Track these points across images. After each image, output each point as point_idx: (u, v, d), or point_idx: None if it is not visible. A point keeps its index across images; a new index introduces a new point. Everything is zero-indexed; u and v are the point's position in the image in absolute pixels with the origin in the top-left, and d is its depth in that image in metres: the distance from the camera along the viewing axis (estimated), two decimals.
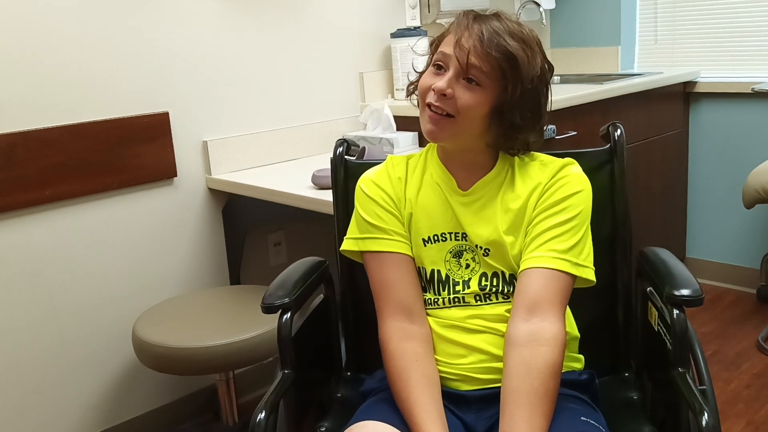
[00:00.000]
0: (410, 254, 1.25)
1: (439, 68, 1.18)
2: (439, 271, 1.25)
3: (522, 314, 1.15)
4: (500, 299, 1.22)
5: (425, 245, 1.25)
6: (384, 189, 1.27)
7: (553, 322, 1.14)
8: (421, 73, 1.24)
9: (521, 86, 1.15)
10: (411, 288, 1.24)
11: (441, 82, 1.15)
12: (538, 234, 1.19)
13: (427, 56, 1.25)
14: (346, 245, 1.29)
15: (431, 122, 1.18)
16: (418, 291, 1.25)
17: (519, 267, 1.20)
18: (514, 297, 1.19)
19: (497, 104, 1.17)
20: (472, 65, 1.14)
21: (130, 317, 2.12)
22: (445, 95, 1.15)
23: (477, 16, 1.18)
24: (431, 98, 1.17)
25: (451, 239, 1.24)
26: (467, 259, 1.24)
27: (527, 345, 1.12)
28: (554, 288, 1.16)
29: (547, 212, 1.20)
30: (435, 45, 1.24)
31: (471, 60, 1.14)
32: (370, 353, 1.36)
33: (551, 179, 1.22)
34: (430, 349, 1.21)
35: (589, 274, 1.20)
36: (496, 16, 1.19)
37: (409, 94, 1.32)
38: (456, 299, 1.23)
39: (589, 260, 1.21)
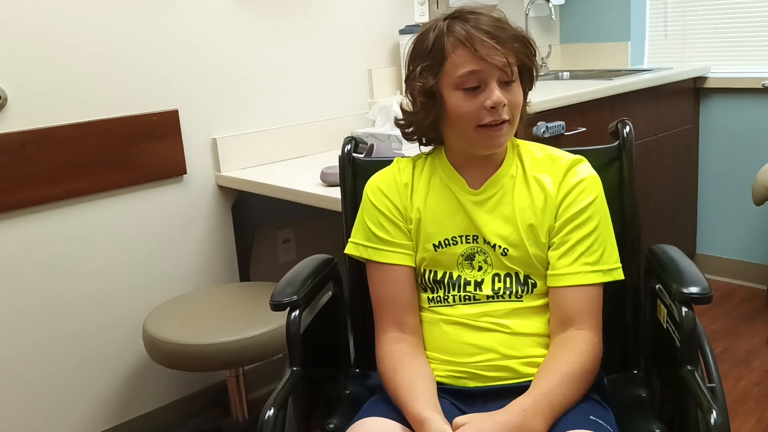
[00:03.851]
0: (412, 265, 1.27)
1: (472, 89, 1.16)
2: (451, 273, 1.25)
3: (559, 330, 1.20)
4: (512, 299, 1.23)
5: (436, 250, 1.25)
6: (390, 198, 1.27)
7: (588, 330, 1.18)
8: (417, 113, 1.23)
9: (536, 62, 1.22)
10: (406, 302, 1.26)
11: (496, 97, 1.14)
12: (568, 249, 1.21)
13: (423, 90, 1.19)
14: (350, 249, 1.31)
15: (496, 136, 1.17)
16: (413, 304, 1.27)
17: (546, 273, 1.22)
18: (550, 314, 1.22)
19: (525, 89, 1.22)
20: (511, 65, 1.15)
21: (140, 314, 2.13)
22: (504, 105, 1.15)
23: (461, 19, 1.17)
24: (488, 117, 1.15)
25: (462, 242, 1.24)
26: (479, 261, 1.24)
27: (556, 345, 1.18)
28: (588, 300, 1.20)
29: (572, 224, 1.21)
30: (426, 71, 1.18)
31: (510, 61, 1.15)
32: None
33: (564, 178, 1.23)
34: (418, 350, 1.23)
35: (618, 274, 1.23)
36: (473, 11, 1.18)
37: (419, 140, 1.31)
38: (467, 297, 1.24)
39: (616, 258, 1.24)
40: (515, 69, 1.17)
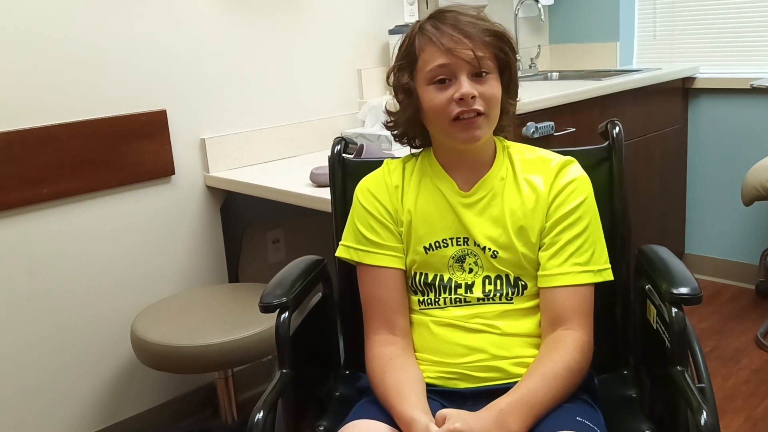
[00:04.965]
0: (402, 267, 1.27)
1: (442, 82, 1.17)
2: (441, 276, 1.25)
3: (549, 331, 1.19)
4: (503, 301, 1.23)
5: (427, 252, 1.25)
6: (380, 200, 1.27)
7: (576, 329, 1.18)
8: (403, 110, 1.25)
9: (515, 57, 1.22)
10: (396, 304, 1.26)
11: (464, 88, 1.15)
12: (558, 249, 1.21)
13: (400, 87, 1.24)
14: (341, 252, 1.30)
15: (470, 128, 1.17)
16: (403, 306, 1.27)
17: (537, 274, 1.22)
18: (541, 315, 1.22)
19: (504, 84, 1.22)
20: (480, 58, 1.15)
21: (128, 315, 2.12)
22: (473, 97, 1.16)
23: (437, 18, 1.19)
24: (457, 108, 1.16)
25: (453, 245, 1.24)
26: (470, 264, 1.24)
27: (545, 346, 1.18)
28: (578, 300, 1.20)
29: (563, 224, 1.21)
30: (401, 70, 1.23)
31: (478, 54, 1.15)
32: None
33: (555, 178, 1.23)
34: (407, 352, 1.23)
35: (608, 275, 1.24)
36: (452, 9, 1.20)
37: (408, 142, 1.31)
38: (457, 300, 1.23)
39: (606, 259, 1.24)
40: (487, 62, 1.17)
